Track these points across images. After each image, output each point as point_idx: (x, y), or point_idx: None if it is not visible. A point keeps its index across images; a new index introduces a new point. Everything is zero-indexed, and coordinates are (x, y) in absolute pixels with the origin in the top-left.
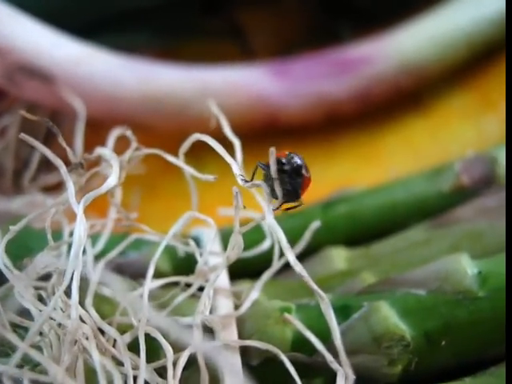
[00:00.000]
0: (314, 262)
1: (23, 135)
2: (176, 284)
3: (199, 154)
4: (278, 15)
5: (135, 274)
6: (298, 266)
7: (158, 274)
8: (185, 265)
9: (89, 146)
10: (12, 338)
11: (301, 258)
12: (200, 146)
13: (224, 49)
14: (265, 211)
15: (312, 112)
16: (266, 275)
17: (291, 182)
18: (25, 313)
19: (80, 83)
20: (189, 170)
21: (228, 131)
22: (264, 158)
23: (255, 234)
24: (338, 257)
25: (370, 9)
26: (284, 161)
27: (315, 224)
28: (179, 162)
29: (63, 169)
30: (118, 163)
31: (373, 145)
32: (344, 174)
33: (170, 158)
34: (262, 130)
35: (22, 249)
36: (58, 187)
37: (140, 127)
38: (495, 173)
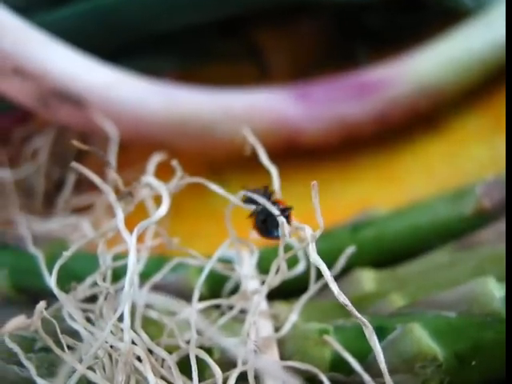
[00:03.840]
0: (344, 283)
1: (74, 163)
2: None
3: (221, 171)
4: (295, 36)
5: (173, 296)
6: (336, 291)
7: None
8: (219, 286)
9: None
10: (70, 359)
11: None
12: (222, 163)
13: (242, 70)
14: (307, 239)
15: (331, 134)
16: (304, 298)
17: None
18: (66, 331)
19: (110, 107)
20: (225, 194)
21: (265, 159)
22: (283, 178)
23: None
24: (367, 278)
25: (385, 31)
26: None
27: (350, 249)
28: (218, 189)
29: (112, 196)
30: (167, 193)
31: (390, 166)
32: (362, 195)
33: (214, 187)
34: (281, 152)
35: (62, 270)
36: (87, 207)
37: (165, 147)
38: None
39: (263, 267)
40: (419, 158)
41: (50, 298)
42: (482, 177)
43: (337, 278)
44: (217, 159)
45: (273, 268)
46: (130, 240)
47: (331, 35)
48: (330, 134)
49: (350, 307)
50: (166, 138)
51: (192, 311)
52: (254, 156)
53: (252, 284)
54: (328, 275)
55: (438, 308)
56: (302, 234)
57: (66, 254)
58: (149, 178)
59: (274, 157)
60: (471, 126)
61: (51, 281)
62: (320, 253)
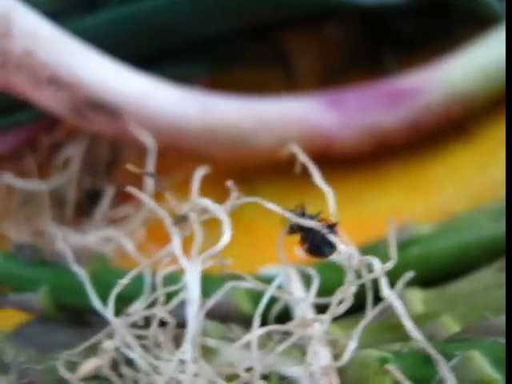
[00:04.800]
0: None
1: (130, 188)
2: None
3: (251, 178)
4: (322, 41)
5: (221, 317)
6: (410, 326)
7: (240, 317)
8: (266, 308)
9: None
10: None
11: (379, 300)
12: (252, 171)
13: (270, 75)
14: (375, 267)
15: (364, 143)
16: (362, 324)
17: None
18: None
19: (145, 116)
20: (282, 211)
21: (318, 179)
22: (314, 188)
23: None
24: (416, 298)
25: (413, 36)
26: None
27: (409, 274)
28: (278, 208)
29: (168, 221)
30: (227, 216)
31: (421, 175)
32: (394, 206)
33: (270, 206)
34: (314, 161)
35: (105, 288)
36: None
37: (198, 155)
38: None
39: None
40: (450, 167)
41: (93, 316)
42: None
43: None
44: (247, 167)
45: (337, 296)
46: (191, 270)
47: (358, 41)
48: (362, 142)
49: (420, 338)
50: (200, 147)
51: (253, 338)
52: (285, 166)
53: (304, 307)
54: (401, 311)
55: (494, 334)
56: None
57: (122, 283)
58: (205, 201)
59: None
60: (501, 134)
61: (107, 309)
62: None
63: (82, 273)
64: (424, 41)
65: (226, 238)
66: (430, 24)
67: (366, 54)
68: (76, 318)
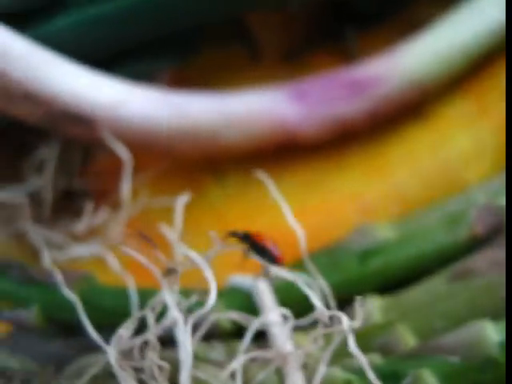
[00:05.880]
0: (352, 312)
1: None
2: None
3: (219, 169)
4: (285, 18)
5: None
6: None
7: (219, 331)
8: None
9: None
10: None
11: (340, 307)
12: (221, 162)
13: (234, 54)
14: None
15: (326, 132)
16: (328, 353)
17: None
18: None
19: (119, 125)
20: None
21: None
22: (278, 175)
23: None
24: (374, 307)
25: (372, 10)
26: None
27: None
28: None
29: (159, 275)
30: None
31: (379, 160)
32: (354, 190)
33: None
34: (278, 150)
35: (92, 307)
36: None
37: (171, 155)
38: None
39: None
40: (406, 150)
41: (84, 331)
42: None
43: (344, 307)
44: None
45: (310, 341)
46: (182, 328)
47: (321, 16)
48: (325, 132)
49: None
50: (172, 147)
51: (237, 368)
52: (250, 155)
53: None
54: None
55: (444, 352)
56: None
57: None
58: (189, 252)
59: (269, 155)
60: (454, 114)
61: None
62: (329, 284)
63: (72, 296)
64: (384, 15)
65: (213, 295)
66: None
67: (328, 30)
68: (67, 328)
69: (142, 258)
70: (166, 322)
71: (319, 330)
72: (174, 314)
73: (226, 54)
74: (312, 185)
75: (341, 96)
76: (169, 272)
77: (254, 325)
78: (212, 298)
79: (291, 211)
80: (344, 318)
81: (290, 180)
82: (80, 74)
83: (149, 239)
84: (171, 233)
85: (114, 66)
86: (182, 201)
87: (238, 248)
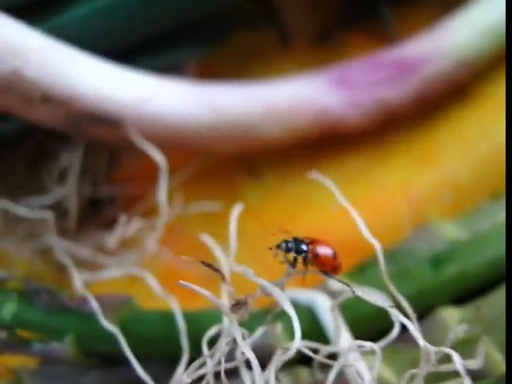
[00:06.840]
0: (429, 325)
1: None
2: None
3: (255, 163)
4: None
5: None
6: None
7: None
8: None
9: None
10: None
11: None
12: (256, 155)
13: (264, 38)
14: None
15: (371, 119)
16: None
17: None
18: None
19: (147, 123)
20: None
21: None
22: (323, 167)
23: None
24: (452, 320)
25: None
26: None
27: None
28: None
29: (226, 309)
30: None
31: (426, 144)
32: (403, 180)
33: None
34: (321, 141)
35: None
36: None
37: (205, 152)
38: None
39: None
40: (454, 135)
41: (125, 360)
42: None
43: (419, 319)
44: (255, 157)
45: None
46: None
47: None
48: (369, 119)
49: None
50: (206, 144)
51: None
52: (289, 149)
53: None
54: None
55: None
56: None
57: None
58: (261, 280)
59: (314, 145)
60: (501, 94)
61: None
62: (402, 294)
63: (111, 327)
64: None
65: (297, 335)
66: None
67: (361, 8)
68: (105, 359)
69: (199, 289)
70: (235, 361)
71: (422, 369)
72: (246, 353)
73: (253, 40)
74: (357, 177)
75: (386, 79)
76: (237, 305)
77: (323, 353)
78: (297, 339)
79: (336, 208)
80: (457, 358)
81: (334, 173)
82: (101, 69)
83: (217, 270)
84: (221, 250)
85: (137, 59)
86: (235, 213)
87: (313, 272)
